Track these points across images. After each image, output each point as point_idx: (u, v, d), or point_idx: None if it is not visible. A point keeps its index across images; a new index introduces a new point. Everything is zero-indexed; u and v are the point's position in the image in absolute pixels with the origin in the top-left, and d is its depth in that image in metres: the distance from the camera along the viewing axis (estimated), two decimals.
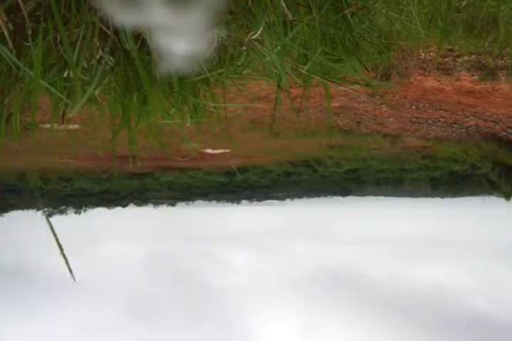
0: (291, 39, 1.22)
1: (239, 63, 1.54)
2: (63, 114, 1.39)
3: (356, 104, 9.14)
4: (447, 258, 18.30)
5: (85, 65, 1.13)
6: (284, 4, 1.03)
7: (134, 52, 1.01)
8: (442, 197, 17.99)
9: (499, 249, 16.48)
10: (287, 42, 1.24)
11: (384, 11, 2.43)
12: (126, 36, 1.05)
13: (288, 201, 22.78)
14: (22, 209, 15.82)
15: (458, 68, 7.06)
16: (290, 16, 1.04)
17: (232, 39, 1.39)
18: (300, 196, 21.95)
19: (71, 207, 19.66)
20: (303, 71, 1.25)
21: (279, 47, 1.25)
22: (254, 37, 1.28)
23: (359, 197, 18.67)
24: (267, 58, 1.30)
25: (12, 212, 17.91)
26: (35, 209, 18.55)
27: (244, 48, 1.42)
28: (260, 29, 1.23)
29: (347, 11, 1.43)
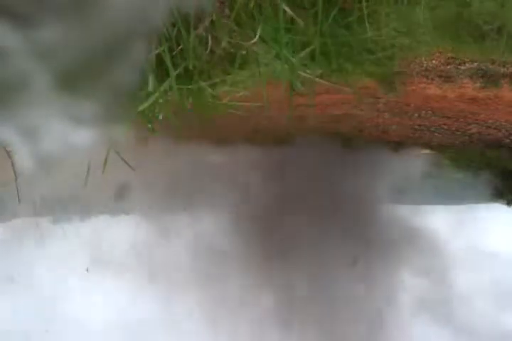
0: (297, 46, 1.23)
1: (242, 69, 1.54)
2: None
3: (359, 112, 9.16)
4: (457, 268, 18.10)
5: None
6: (288, 9, 1.04)
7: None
8: (446, 204, 17.93)
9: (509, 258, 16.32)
10: (289, 50, 1.24)
11: (388, 22, 2.45)
12: None
13: None
14: (26, 216, 15.91)
15: (460, 76, 7.08)
16: (301, 24, 1.05)
17: (233, 44, 1.39)
18: None
19: (77, 215, 19.71)
20: (307, 75, 1.26)
21: (278, 51, 1.25)
22: (253, 41, 1.29)
23: None
24: (269, 61, 1.30)
25: (14, 220, 17.96)
26: (40, 217, 18.58)
27: (244, 52, 1.42)
28: (258, 33, 1.23)
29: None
